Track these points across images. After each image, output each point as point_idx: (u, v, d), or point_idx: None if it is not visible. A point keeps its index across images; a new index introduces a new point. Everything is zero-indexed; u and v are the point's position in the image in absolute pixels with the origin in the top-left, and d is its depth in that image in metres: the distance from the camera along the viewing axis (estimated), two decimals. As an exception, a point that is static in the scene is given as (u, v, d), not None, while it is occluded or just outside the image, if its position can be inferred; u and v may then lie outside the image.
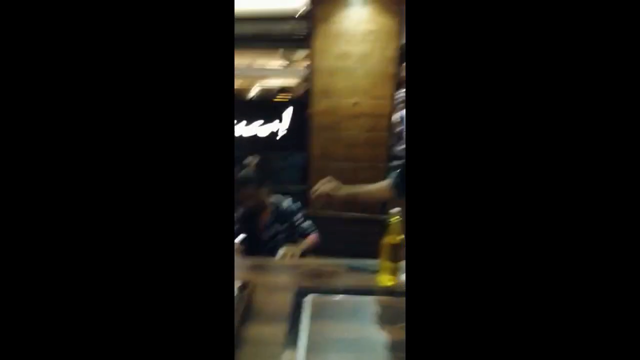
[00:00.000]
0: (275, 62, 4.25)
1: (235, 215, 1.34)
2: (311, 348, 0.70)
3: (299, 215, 1.43)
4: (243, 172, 1.41)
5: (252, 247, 1.36)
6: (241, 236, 0.84)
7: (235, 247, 0.74)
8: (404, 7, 1.85)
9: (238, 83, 5.72)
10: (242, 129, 2.27)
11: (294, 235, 1.40)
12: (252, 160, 2.73)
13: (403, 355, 0.69)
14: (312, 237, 1.41)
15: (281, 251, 1.22)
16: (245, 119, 2.27)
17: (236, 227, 1.35)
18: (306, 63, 2.00)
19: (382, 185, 1.18)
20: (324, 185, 1.11)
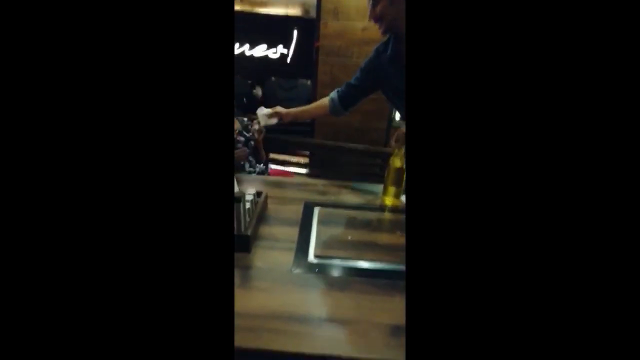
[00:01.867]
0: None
1: None
2: (319, 245, 0.80)
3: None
4: None
5: None
6: None
7: None
8: None
9: (239, 6, 5.26)
10: (245, 53, 2.17)
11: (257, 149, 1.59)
12: (257, 91, 2.67)
13: (398, 254, 0.80)
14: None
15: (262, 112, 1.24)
16: (248, 43, 2.15)
17: None
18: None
19: (320, 104, 1.27)
20: (269, 120, 1.24)
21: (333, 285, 0.68)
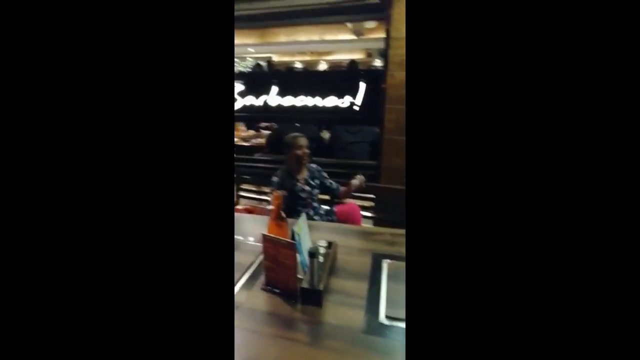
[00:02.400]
0: (344, 35, 4.19)
1: (278, 172, 1.60)
2: (390, 304, 0.78)
3: (325, 174, 1.65)
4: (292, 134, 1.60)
5: (289, 200, 1.53)
6: (280, 191, 0.95)
7: (279, 195, 0.89)
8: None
9: (308, 57, 5.82)
10: (314, 104, 2.37)
11: (324, 190, 1.65)
12: (324, 134, 2.84)
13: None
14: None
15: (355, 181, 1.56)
16: (318, 95, 2.35)
17: (276, 180, 1.56)
18: (377, 34, 1.95)
19: None
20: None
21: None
